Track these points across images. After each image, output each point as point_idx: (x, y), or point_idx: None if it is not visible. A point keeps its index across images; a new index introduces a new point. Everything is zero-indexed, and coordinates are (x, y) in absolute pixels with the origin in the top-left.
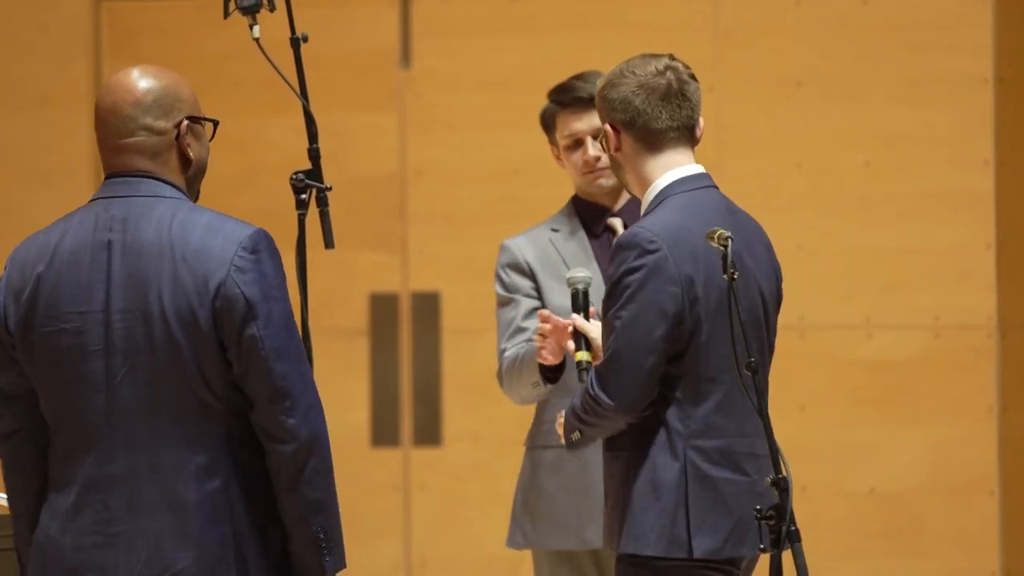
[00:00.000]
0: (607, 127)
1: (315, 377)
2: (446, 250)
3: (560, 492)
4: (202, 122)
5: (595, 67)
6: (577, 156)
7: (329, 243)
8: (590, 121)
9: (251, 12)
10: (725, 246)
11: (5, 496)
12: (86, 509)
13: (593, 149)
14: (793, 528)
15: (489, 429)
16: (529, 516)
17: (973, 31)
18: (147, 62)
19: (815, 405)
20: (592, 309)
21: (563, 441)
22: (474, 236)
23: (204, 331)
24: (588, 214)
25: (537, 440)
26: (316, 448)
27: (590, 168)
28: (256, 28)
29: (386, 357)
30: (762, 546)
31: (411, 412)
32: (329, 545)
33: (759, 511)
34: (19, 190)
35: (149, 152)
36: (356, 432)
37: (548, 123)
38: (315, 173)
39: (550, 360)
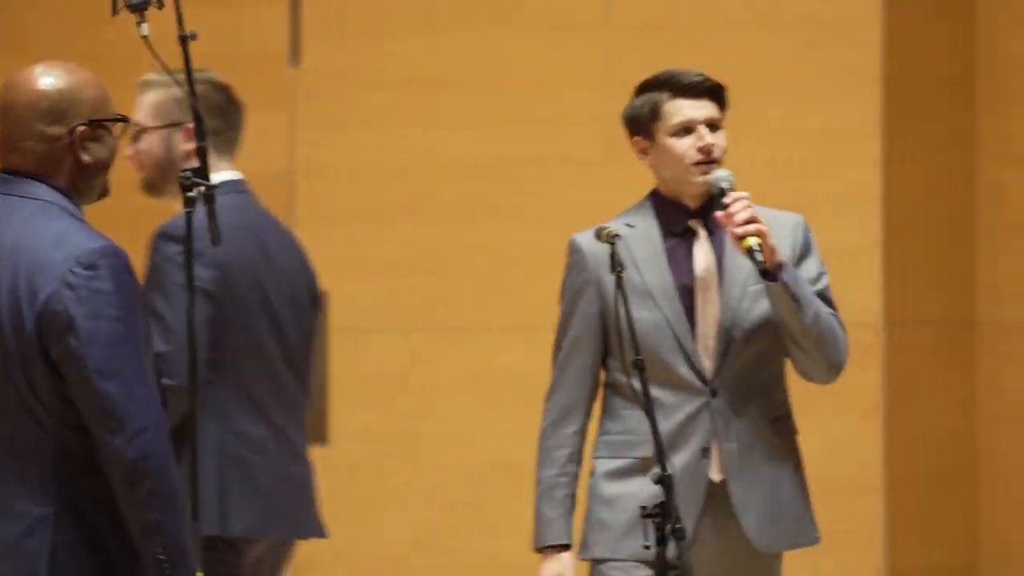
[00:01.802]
0: (189, 126)
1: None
2: (335, 249)
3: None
4: (104, 124)
5: (484, 65)
6: (689, 142)
7: (216, 241)
8: (704, 110)
9: (139, 10)
10: (612, 243)
11: None
12: None
13: (710, 136)
14: (679, 526)
15: (377, 428)
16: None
17: (863, 29)
18: (38, 59)
19: None
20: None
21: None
22: (363, 235)
23: (30, 341)
24: (668, 212)
25: (600, 451)
26: (147, 471)
27: (706, 153)
28: (144, 26)
29: None
30: (647, 544)
31: None
32: (172, 565)
33: (644, 508)
34: None
35: (38, 157)
36: None
37: (648, 114)
38: (203, 171)
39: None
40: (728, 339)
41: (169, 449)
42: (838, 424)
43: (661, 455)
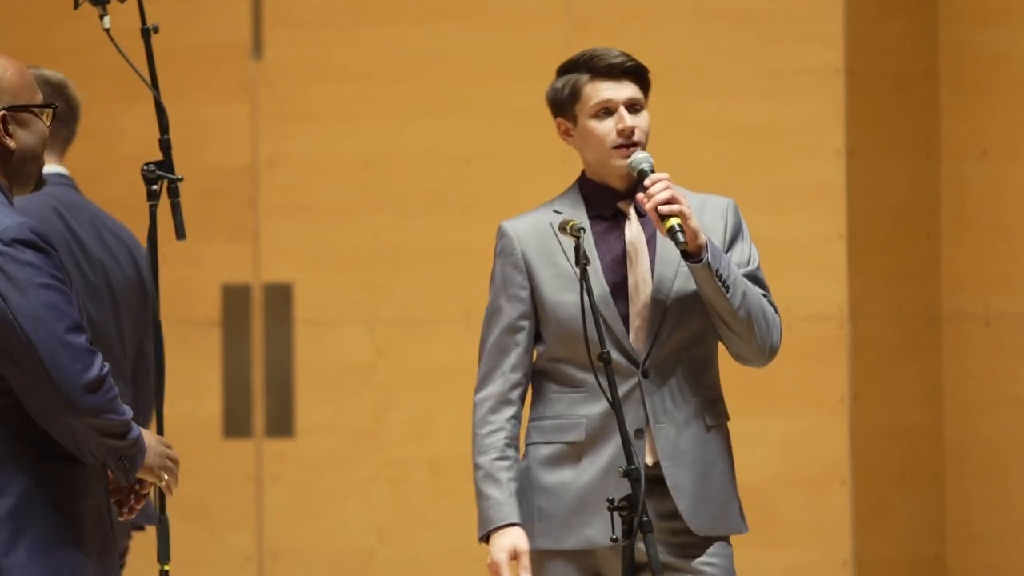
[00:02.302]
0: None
1: (168, 368)
2: (299, 241)
3: (559, 489)
4: (30, 110)
5: (446, 58)
6: (609, 124)
7: (181, 234)
8: (624, 91)
9: (101, 3)
10: (577, 237)
11: None
12: None
13: (630, 118)
14: (646, 519)
15: (342, 421)
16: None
17: (825, 22)
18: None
19: None
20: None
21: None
22: (327, 227)
23: None
24: (596, 196)
25: (533, 437)
26: (96, 418)
27: (627, 136)
28: (107, 19)
29: (239, 348)
30: (615, 536)
31: (263, 403)
32: (129, 462)
33: (611, 501)
34: None
35: None
36: (208, 423)
37: (569, 96)
38: (167, 164)
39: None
40: (660, 320)
41: (115, 389)
42: (804, 417)
43: (628, 448)
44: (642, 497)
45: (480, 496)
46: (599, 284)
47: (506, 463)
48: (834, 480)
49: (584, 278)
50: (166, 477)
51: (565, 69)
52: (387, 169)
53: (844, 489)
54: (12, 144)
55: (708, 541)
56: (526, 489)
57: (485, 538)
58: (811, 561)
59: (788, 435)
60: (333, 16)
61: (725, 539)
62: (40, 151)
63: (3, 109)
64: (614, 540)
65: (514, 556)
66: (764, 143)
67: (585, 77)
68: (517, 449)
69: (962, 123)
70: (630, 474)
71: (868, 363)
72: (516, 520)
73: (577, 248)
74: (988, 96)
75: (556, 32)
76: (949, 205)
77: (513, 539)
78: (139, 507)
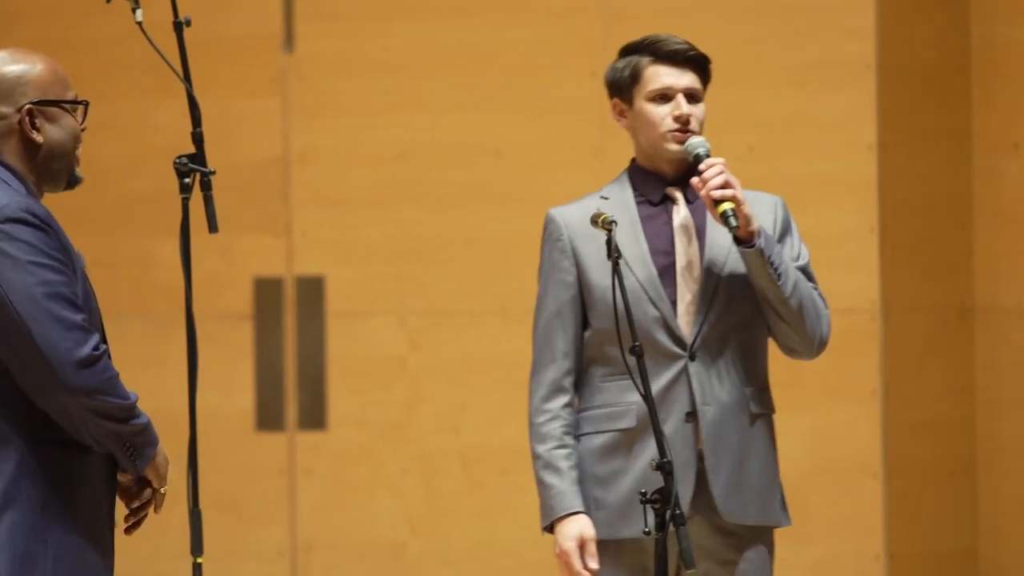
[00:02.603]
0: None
1: (200, 361)
2: (331, 234)
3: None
4: (60, 105)
5: (479, 51)
6: (666, 110)
7: (213, 227)
8: (684, 79)
9: None
10: (609, 230)
11: None
12: None
13: (687, 107)
14: (678, 512)
15: (374, 413)
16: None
17: (857, 16)
18: (31, 47)
19: None
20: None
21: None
22: (359, 220)
23: None
24: (645, 181)
25: (584, 427)
26: (91, 398)
27: (683, 123)
28: (139, 12)
29: (271, 341)
30: (647, 529)
31: (295, 396)
32: (136, 452)
33: (643, 494)
34: None
35: None
36: (241, 416)
37: (628, 78)
38: (199, 157)
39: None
40: (709, 303)
41: (113, 370)
42: (836, 410)
43: (661, 440)
44: (674, 490)
45: (542, 485)
46: (646, 267)
47: (565, 451)
48: (866, 473)
49: (616, 271)
50: (164, 489)
51: (627, 51)
52: (419, 162)
53: (876, 482)
54: (39, 138)
55: (751, 539)
56: (581, 480)
57: (549, 528)
58: (842, 554)
59: (820, 428)
60: (364, 8)
61: (769, 537)
62: (71, 148)
63: (30, 103)
64: (646, 533)
65: (581, 544)
66: (796, 136)
67: (647, 60)
68: (575, 436)
69: (994, 117)
70: (662, 467)
71: (900, 356)
72: (580, 508)
73: (608, 241)
74: (1020, 90)
75: (591, 25)
76: (981, 198)
77: (580, 527)
78: (142, 515)
